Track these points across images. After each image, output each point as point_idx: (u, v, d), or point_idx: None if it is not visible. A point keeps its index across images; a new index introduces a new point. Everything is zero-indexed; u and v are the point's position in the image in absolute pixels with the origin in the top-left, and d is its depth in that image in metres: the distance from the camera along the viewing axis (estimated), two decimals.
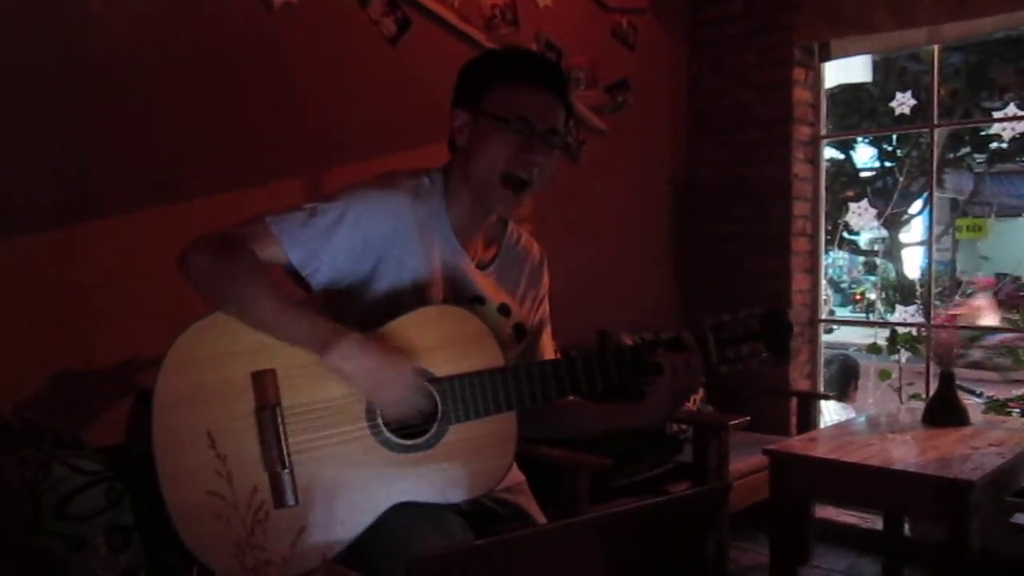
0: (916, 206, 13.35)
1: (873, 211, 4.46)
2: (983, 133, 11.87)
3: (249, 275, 1.39)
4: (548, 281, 1.77)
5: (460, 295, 1.58)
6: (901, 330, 4.00)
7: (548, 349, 1.76)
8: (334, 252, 1.47)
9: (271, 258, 1.46)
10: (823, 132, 4.20)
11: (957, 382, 3.06)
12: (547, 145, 1.54)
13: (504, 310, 1.63)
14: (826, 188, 4.25)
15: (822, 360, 4.29)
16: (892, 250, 13.92)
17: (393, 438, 1.43)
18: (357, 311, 1.51)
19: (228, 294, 1.39)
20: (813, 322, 4.18)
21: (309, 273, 1.48)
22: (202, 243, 1.42)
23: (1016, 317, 3.91)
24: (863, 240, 14.61)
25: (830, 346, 5.42)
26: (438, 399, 1.45)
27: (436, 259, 1.56)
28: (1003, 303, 12.67)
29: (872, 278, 14.86)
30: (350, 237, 1.48)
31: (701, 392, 3.83)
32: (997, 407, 3.81)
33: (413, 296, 1.51)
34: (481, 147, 1.54)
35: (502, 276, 1.67)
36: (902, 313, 4.38)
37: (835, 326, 8.65)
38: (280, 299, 1.38)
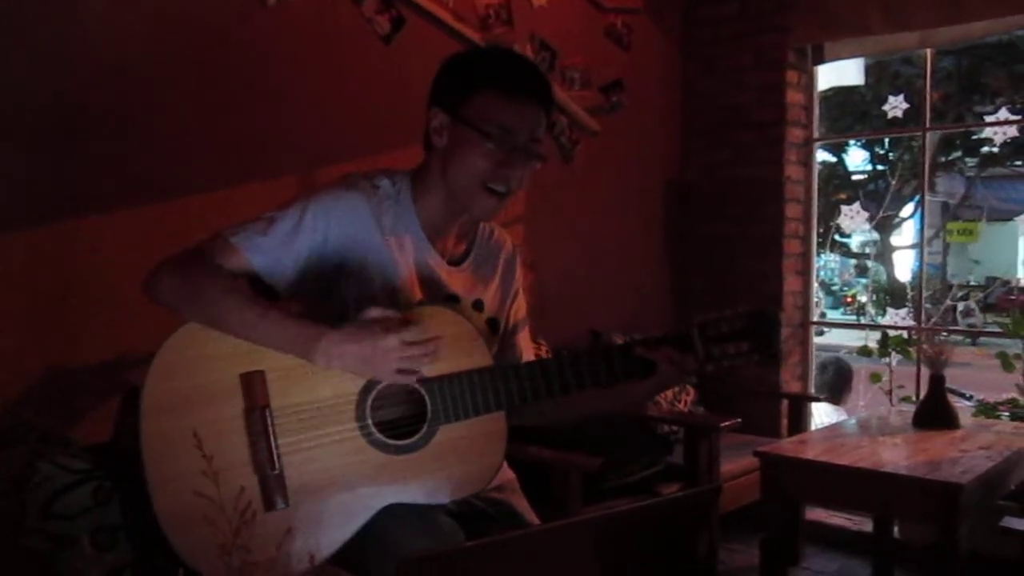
0: (908, 209, 13.44)
1: (865, 214, 4.46)
2: (975, 137, 11.94)
3: (219, 288, 1.38)
4: (521, 274, 1.76)
5: (434, 294, 1.57)
6: (892, 333, 4.00)
7: (527, 349, 1.75)
8: (297, 256, 1.47)
9: (235, 270, 1.45)
10: (816, 135, 4.20)
11: (947, 385, 3.07)
12: (526, 156, 1.53)
13: (478, 305, 1.63)
14: (818, 190, 4.26)
15: (813, 362, 4.30)
16: (883, 253, 14.00)
17: (383, 439, 1.43)
18: (328, 316, 1.50)
19: (202, 310, 1.38)
20: (804, 324, 4.19)
21: (275, 280, 1.47)
22: (166, 265, 1.42)
23: (1006, 320, 3.91)
24: (855, 243, 14.69)
25: (821, 348, 5.42)
26: (427, 399, 1.44)
27: (408, 259, 1.55)
28: (994, 306, 12.75)
29: (863, 280, 14.94)
30: (311, 239, 1.47)
31: (693, 393, 3.83)
32: (987, 410, 3.82)
33: (384, 298, 1.50)
34: (460, 155, 1.51)
35: (477, 270, 1.66)
36: (893, 316, 4.39)
37: (826, 328, 8.68)
38: (253, 308, 1.38)
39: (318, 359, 1.37)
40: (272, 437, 1.38)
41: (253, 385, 1.38)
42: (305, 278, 1.49)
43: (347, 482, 1.41)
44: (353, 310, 1.47)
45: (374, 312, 1.39)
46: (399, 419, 1.45)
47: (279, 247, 1.46)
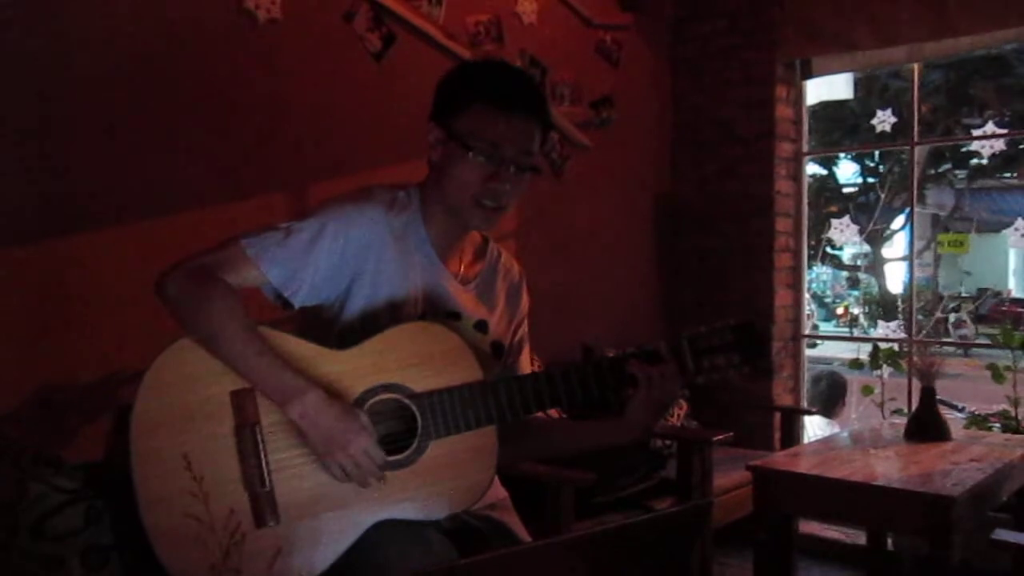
0: (898, 221, 13.50)
1: (855, 227, 4.49)
2: (963, 149, 12.01)
3: (221, 315, 1.37)
4: (527, 301, 1.75)
5: (436, 310, 1.56)
6: (883, 345, 4.02)
7: (526, 368, 1.75)
8: (314, 268, 1.46)
9: (250, 281, 1.44)
10: (805, 148, 4.23)
11: (938, 397, 3.08)
12: (517, 169, 1.51)
13: (481, 327, 1.61)
14: (808, 204, 4.28)
15: (806, 375, 4.30)
16: (875, 265, 14.06)
17: None
18: (334, 326, 1.50)
19: (201, 332, 1.38)
20: (796, 337, 4.19)
21: (291, 293, 1.46)
22: (178, 273, 1.41)
23: (997, 332, 3.93)
24: (846, 255, 14.75)
25: (813, 361, 5.44)
26: (418, 415, 1.44)
27: (415, 273, 1.55)
28: (985, 318, 12.79)
29: (855, 293, 14.98)
30: (329, 251, 1.47)
31: (685, 407, 3.83)
32: (978, 422, 3.83)
33: (387, 310, 1.50)
34: (450, 170, 1.52)
35: (482, 293, 1.66)
36: (884, 328, 4.40)
37: (818, 341, 8.69)
38: (250, 343, 1.37)
39: (292, 412, 1.36)
40: (263, 454, 1.37)
41: (244, 402, 1.38)
42: (319, 290, 1.48)
43: (337, 498, 1.40)
44: (358, 321, 1.48)
45: (364, 418, 1.39)
46: (389, 435, 1.45)
47: (296, 259, 1.45)
